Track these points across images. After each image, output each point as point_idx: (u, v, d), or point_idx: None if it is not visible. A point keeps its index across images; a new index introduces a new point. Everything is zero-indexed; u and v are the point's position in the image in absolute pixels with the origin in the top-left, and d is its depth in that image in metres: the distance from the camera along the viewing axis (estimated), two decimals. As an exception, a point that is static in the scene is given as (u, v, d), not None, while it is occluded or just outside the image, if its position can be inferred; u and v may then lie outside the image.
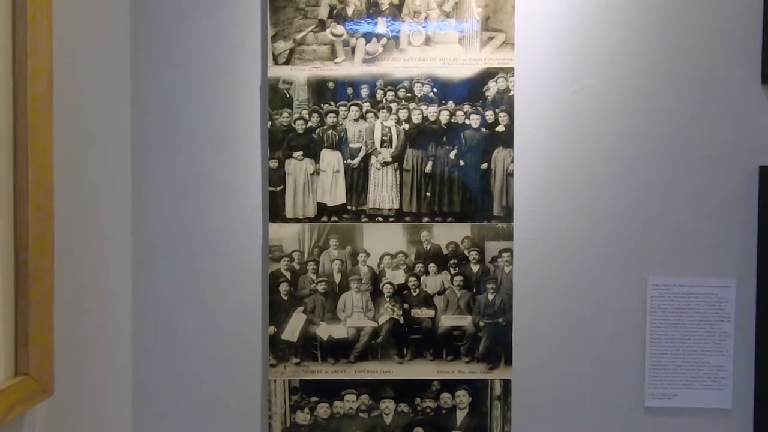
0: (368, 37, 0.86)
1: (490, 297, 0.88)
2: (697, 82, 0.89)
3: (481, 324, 0.88)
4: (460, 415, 0.88)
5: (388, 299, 0.88)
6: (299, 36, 0.86)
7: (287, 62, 0.87)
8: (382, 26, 0.86)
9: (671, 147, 0.89)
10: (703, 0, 0.88)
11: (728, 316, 0.89)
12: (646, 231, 0.89)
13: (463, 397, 0.88)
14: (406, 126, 0.87)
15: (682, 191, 0.89)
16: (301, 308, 0.88)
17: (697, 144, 0.89)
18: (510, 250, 0.88)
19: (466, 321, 0.88)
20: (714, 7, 0.88)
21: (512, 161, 0.87)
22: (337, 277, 0.88)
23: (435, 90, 0.87)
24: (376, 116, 0.87)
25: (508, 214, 0.88)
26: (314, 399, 0.88)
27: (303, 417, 0.88)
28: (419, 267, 0.88)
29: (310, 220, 0.87)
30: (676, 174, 0.89)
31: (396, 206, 0.87)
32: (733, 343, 0.89)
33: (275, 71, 0.87)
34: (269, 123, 0.87)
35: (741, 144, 0.89)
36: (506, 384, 0.88)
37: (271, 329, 0.88)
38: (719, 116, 0.89)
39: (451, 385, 0.88)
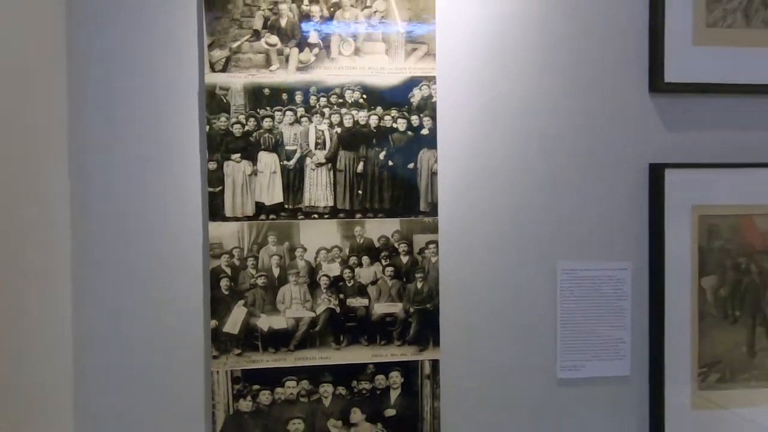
0: (301, 46, 0.93)
1: (419, 285, 0.96)
2: (596, 91, 1.00)
3: (411, 310, 0.96)
4: (394, 395, 0.96)
5: (324, 290, 0.94)
6: (235, 45, 0.91)
7: (224, 69, 0.91)
8: (314, 37, 0.93)
9: (575, 148, 1.00)
10: (600, 21, 1.00)
11: (625, 295, 1.02)
12: (555, 223, 1.00)
13: (396, 378, 0.96)
14: (339, 129, 0.94)
15: (585, 188, 1.00)
16: (241, 302, 0.92)
17: (596, 145, 1.01)
18: (436, 242, 0.96)
19: (397, 308, 0.96)
20: (609, 27, 1.00)
21: (436, 161, 0.96)
22: (276, 272, 0.93)
23: (364, 96, 0.94)
24: (310, 120, 0.93)
25: (433, 210, 0.96)
26: (256, 387, 0.93)
27: (245, 404, 0.93)
28: (353, 260, 0.95)
29: (248, 218, 0.93)
30: (580, 172, 1.01)
31: (330, 204, 0.94)
32: (630, 318, 1.02)
33: (212, 78, 0.91)
34: (207, 127, 0.91)
35: (633, 145, 1.02)
36: (435, 364, 0.97)
37: (213, 323, 0.92)
38: (615, 121, 1.01)
39: (384, 368, 0.95)
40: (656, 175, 1.00)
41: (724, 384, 1.01)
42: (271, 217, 0.93)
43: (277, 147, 0.93)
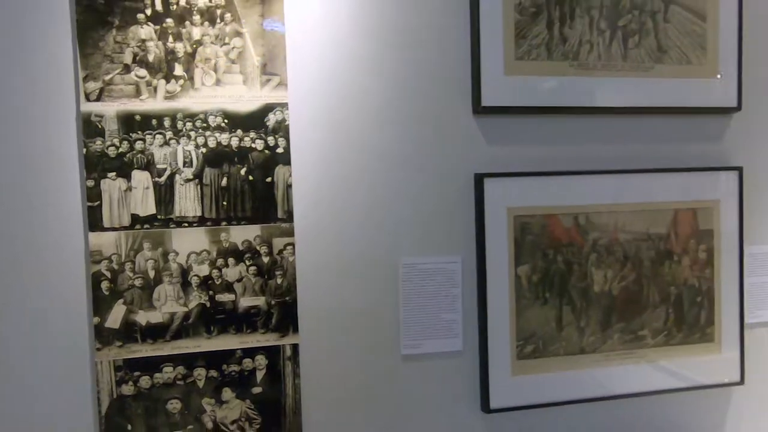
0: (168, 78, 1.07)
1: (279, 281, 1.13)
2: (429, 114, 1.19)
3: (273, 303, 1.12)
4: (260, 375, 1.12)
5: (195, 288, 1.09)
6: (107, 77, 1.04)
7: (98, 99, 1.04)
8: (178, 70, 1.07)
9: (413, 162, 1.19)
10: (430, 57, 1.17)
11: (457, 284, 1.22)
12: (397, 225, 1.19)
13: (261, 360, 1.12)
14: (204, 150, 1.08)
15: (421, 194, 1.19)
16: (121, 300, 1.06)
17: (430, 159, 1.20)
18: (293, 244, 1.13)
19: (260, 301, 1.12)
20: (438, 61, 1.18)
21: (290, 175, 1.12)
22: (152, 273, 1.07)
23: (226, 121, 1.09)
24: (178, 142, 1.07)
25: (289, 216, 1.12)
26: (137, 373, 1.07)
27: (128, 389, 1.07)
28: (220, 261, 1.10)
29: (125, 228, 1.06)
30: (418, 181, 1.19)
31: (199, 214, 1.09)
32: (461, 303, 1.22)
33: (87, 107, 1.04)
34: (84, 149, 1.04)
35: (461, 157, 1.21)
36: (295, 348, 1.13)
37: (96, 320, 1.05)
38: (445, 138, 1.20)
39: (251, 352, 1.12)
40: (479, 183, 1.20)
41: (538, 353, 1.23)
42: (145, 226, 1.07)
43: (149, 166, 1.07)
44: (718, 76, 1.28)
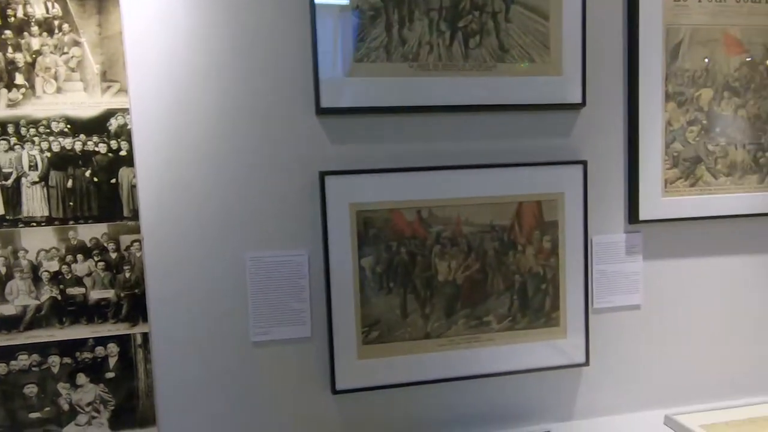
0: (9, 87, 1.13)
1: (127, 275, 1.21)
2: (274, 113, 1.25)
3: (122, 295, 1.21)
4: (112, 361, 1.21)
5: (47, 283, 1.18)
6: (-50, 88, 1.11)
7: (-58, 108, 1.11)
8: (20, 79, 1.13)
9: (261, 161, 1.26)
10: (271, 54, 1.22)
11: (304, 276, 1.29)
12: (244, 221, 1.26)
13: (113, 348, 1.21)
14: (48, 154, 1.16)
15: (270, 191, 1.26)
16: (-26, 295, 1.15)
17: (278, 157, 1.26)
18: (139, 241, 1.20)
19: (110, 294, 1.20)
20: (281, 63, 1.23)
21: (135, 176, 1.19)
22: (3, 270, 1.16)
23: (69, 126, 1.16)
24: (23, 147, 1.14)
25: (135, 215, 1.20)
26: (-6, 361, 1.17)
27: (-14, 375, 1.17)
28: (69, 257, 1.18)
29: (-24, 228, 1.14)
30: (266, 179, 1.26)
31: (46, 214, 1.17)
32: (309, 293, 1.30)
33: (-68, 116, 1.11)
34: (-69, 156, 1.12)
35: (306, 157, 1.28)
36: (145, 336, 1.22)
37: (-48, 313, 1.15)
38: (291, 137, 1.27)
39: (103, 341, 1.21)
40: (322, 180, 1.26)
41: (383, 339, 1.31)
42: (-5, 226, 1.15)
43: (-5, 170, 1.15)
44: (563, 73, 1.34)
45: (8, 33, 1.13)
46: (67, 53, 1.16)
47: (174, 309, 1.25)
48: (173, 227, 1.23)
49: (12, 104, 1.14)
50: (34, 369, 1.19)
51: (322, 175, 1.27)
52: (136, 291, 1.22)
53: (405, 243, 1.31)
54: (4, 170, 1.15)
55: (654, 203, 1.43)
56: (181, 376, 1.26)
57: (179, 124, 1.22)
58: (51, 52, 1.15)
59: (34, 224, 1.17)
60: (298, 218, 1.29)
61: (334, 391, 1.31)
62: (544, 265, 1.38)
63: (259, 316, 1.29)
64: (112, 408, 1.23)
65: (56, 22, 1.15)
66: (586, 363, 1.41)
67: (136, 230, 1.21)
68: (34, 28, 1.14)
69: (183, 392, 1.26)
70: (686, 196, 1.43)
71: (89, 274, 1.20)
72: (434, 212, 1.32)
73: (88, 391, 1.22)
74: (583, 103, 1.36)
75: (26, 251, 1.17)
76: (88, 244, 1.19)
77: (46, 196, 1.17)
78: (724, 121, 1.44)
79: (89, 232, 1.19)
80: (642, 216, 1.41)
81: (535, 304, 1.39)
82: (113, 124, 1.18)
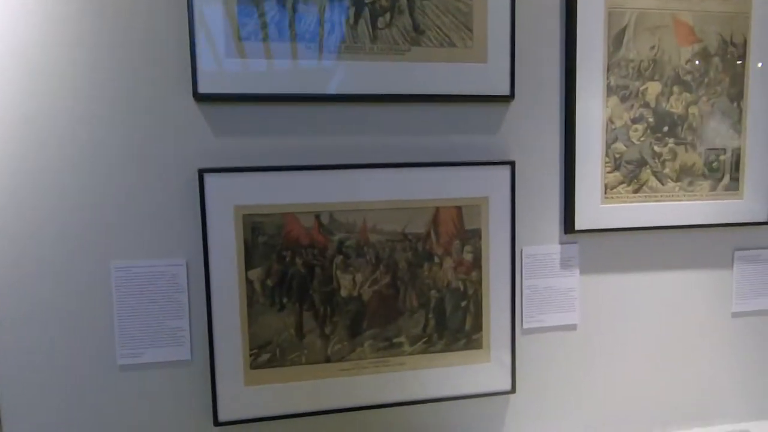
0: None
1: (-37, 287, 1.03)
2: (146, 99, 1.07)
3: (-43, 310, 1.03)
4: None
5: None
6: None
7: None
8: None
9: (129, 156, 1.07)
10: (142, 32, 1.05)
11: (182, 289, 1.12)
12: (110, 224, 1.08)
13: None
14: None
15: (140, 192, 1.08)
16: None
17: (148, 152, 1.08)
18: (-22, 247, 1.03)
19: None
20: (153, 38, 1.05)
21: (-29, 170, 1.01)
22: None
23: None
24: None
25: (-29, 216, 1.02)
26: None
27: None
28: None
29: None
30: (134, 178, 1.08)
31: None
32: (188, 309, 1.12)
33: None
34: None
35: (183, 151, 1.10)
36: (-14, 358, 1.05)
37: None
38: (167, 127, 1.08)
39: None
40: (201, 178, 1.09)
41: (275, 362, 1.14)
42: None
43: None
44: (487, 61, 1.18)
45: None
46: None
47: (23, 324, 1.06)
48: (25, 230, 1.04)
49: None
50: None
51: (201, 172, 1.09)
52: (-26, 306, 1.05)
53: (301, 253, 1.14)
54: None
55: (593, 211, 1.26)
56: (31, 404, 1.07)
57: (33, 115, 1.03)
58: None
59: None
60: (174, 222, 1.10)
61: (216, 423, 1.13)
62: (464, 280, 1.22)
63: (128, 335, 1.10)
64: (-54, 443, 1.06)
65: None
66: (513, 390, 1.24)
67: (-26, 234, 1.04)
68: None
69: (34, 424, 1.09)
70: (629, 203, 1.28)
71: None
72: (336, 217, 1.15)
73: None
74: (512, 96, 1.18)
75: None
76: None
77: None
78: (674, 120, 1.29)
79: None
80: (579, 225, 1.25)
81: (454, 323, 1.22)
82: (-57, 107, 1.01)
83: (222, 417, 1.13)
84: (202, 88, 1.06)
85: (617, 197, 1.26)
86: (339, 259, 1.15)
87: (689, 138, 1.29)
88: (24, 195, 1.04)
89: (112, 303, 1.09)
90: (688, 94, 1.28)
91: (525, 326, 1.26)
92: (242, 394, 1.14)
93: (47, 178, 1.05)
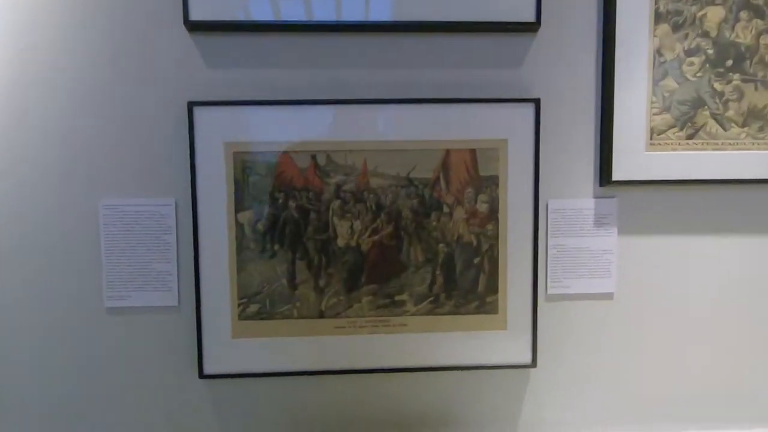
0: None
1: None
2: (134, 27, 1.01)
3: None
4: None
5: None
6: None
7: None
8: None
9: (117, 90, 1.02)
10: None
11: (170, 230, 1.06)
12: (97, 160, 1.03)
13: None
14: None
15: (129, 127, 1.03)
16: None
17: (134, 85, 1.03)
18: (-31, 177, 1.01)
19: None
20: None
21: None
22: None
23: None
24: None
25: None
26: None
27: None
28: None
29: None
30: (123, 112, 1.03)
31: None
32: (176, 252, 1.06)
33: None
34: None
35: (171, 83, 1.03)
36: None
37: None
38: (157, 57, 1.02)
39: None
40: (190, 111, 1.02)
41: (265, 314, 1.05)
42: None
43: None
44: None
45: None
46: None
47: (9, 263, 1.04)
48: (11, 167, 1.02)
49: None
50: None
51: (191, 105, 1.03)
52: None
53: (295, 195, 1.05)
54: None
55: (635, 159, 1.08)
56: (18, 344, 1.05)
57: (19, 50, 1.00)
58: None
59: None
60: (163, 159, 1.04)
61: (202, 375, 1.07)
62: (478, 234, 1.08)
63: (115, 277, 1.05)
64: (-62, 374, 1.06)
65: None
66: (533, 364, 1.09)
67: (-34, 165, 1.03)
68: None
69: (21, 365, 1.06)
70: (681, 151, 1.08)
71: None
72: (334, 158, 1.05)
73: None
74: (538, 23, 1.03)
75: None
76: None
77: None
78: (740, 52, 1.08)
79: None
80: (617, 176, 1.07)
81: (464, 282, 1.09)
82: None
83: (207, 370, 1.06)
84: (195, 15, 1.00)
85: (666, 144, 1.08)
86: (336, 204, 1.05)
87: (760, 74, 1.07)
88: (9, 131, 1.02)
89: (100, 243, 1.06)
90: (759, 21, 1.06)
91: (549, 292, 1.09)
92: (229, 347, 1.06)
93: (33, 114, 1.02)
